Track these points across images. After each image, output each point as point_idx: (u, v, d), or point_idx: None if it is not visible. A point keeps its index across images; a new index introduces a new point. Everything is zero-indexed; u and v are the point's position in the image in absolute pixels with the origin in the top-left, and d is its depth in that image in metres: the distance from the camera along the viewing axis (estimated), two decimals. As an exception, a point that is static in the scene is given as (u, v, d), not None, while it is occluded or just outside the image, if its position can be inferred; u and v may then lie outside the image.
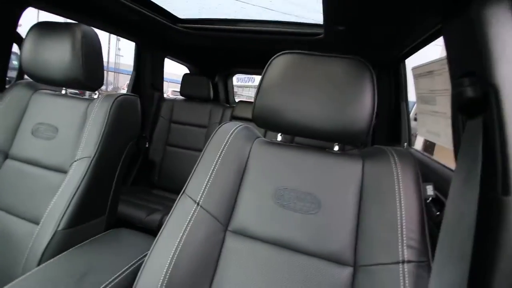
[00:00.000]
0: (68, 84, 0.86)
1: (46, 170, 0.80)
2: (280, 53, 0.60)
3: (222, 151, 0.61)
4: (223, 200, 0.58)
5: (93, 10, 1.18)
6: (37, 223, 0.72)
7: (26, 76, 0.94)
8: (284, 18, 1.25)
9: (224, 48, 1.71)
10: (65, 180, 0.74)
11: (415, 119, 1.29)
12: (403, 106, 1.29)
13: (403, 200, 0.50)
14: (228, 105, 2.03)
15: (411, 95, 1.21)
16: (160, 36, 1.58)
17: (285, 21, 1.24)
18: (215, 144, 0.62)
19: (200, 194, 0.57)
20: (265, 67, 0.61)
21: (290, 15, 1.28)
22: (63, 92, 0.92)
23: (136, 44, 1.69)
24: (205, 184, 0.58)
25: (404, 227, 0.48)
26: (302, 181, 0.58)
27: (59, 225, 0.67)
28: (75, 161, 0.75)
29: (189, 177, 0.60)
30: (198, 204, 0.56)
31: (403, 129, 1.25)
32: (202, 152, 0.63)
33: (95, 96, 0.89)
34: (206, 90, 1.81)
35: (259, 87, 0.61)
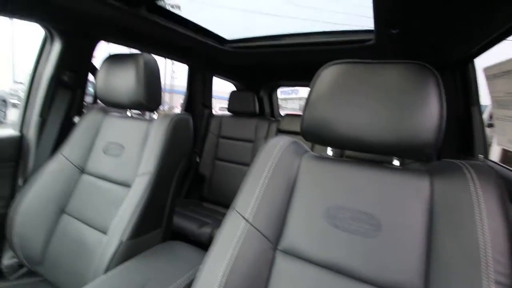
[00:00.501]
0: (132, 106, 0.97)
1: (114, 184, 0.90)
2: (329, 63, 0.58)
3: (270, 167, 0.60)
4: (272, 217, 0.57)
5: (152, 40, 1.33)
6: (105, 233, 0.80)
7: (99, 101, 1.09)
8: (330, 28, 1.22)
9: (269, 63, 1.74)
10: (129, 193, 0.82)
11: (488, 126, 1.10)
12: (475, 112, 1.11)
13: (486, 225, 0.42)
14: (273, 118, 2.05)
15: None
16: (209, 58, 1.70)
17: (331, 30, 1.21)
18: (263, 160, 0.62)
19: (249, 211, 0.57)
20: (313, 79, 0.59)
21: (337, 24, 1.25)
22: (128, 114, 1.04)
23: (188, 66, 1.84)
24: (254, 200, 0.58)
25: (489, 257, 0.40)
26: (358, 199, 0.54)
27: (123, 236, 0.73)
28: (137, 176, 0.83)
29: (238, 193, 0.61)
30: (247, 221, 0.56)
31: (477, 138, 1.08)
32: (250, 168, 0.63)
33: (155, 116, 0.98)
34: (252, 105, 1.86)
35: (308, 100, 0.59)
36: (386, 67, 0.53)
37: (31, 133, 1.06)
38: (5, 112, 4.97)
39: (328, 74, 0.58)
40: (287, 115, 1.91)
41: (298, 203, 0.58)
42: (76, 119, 1.14)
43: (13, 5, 0.87)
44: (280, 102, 2.45)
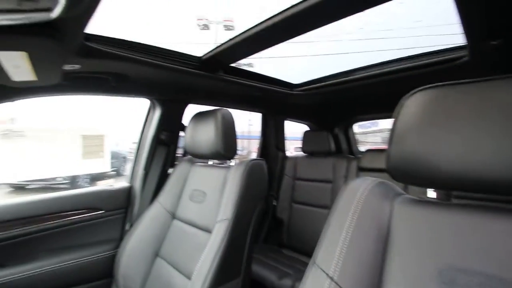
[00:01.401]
0: (212, 156, 1.05)
1: (198, 229, 0.95)
2: (415, 90, 0.50)
3: (354, 214, 0.51)
4: (363, 276, 0.46)
5: (228, 96, 1.49)
6: (189, 278, 0.83)
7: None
8: (409, 52, 1.11)
9: (342, 99, 1.69)
10: (210, 239, 0.84)
11: None
12: None
13: None
14: (352, 156, 1.89)
15: None
16: (280, 103, 1.77)
17: (410, 55, 1.10)
18: (345, 205, 0.54)
19: (333, 267, 0.48)
20: (397, 109, 0.51)
21: (415, 48, 1.13)
22: (210, 162, 1.14)
23: (261, 113, 1.96)
24: (337, 254, 0.49)
25: None
26: (486, 259, 0.39)
27: (204, 283, 0.73)
28: (217, 222, 0.86)
29: (319, 243, 0.53)
30: (331, 279, 0.47)
31: None
32: (331, 214, 0.55)
33: (232, 163, 1.04)
34: (327, 144, 1.78)
35: (393, 132, 0.51)
36: (497, 84, 0.42)
37: (137, 184, 1.28)
38: (124, 167, 6.38)
39: (415, 102, 0.49)
40: (368, 150, 1.73)
41: (396, 260, 0.46)
42: (170, 170, 1.32)
43: (129, 88, 1.14)
44: (358, 137, 2.27)
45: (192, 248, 0.92)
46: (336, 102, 1.78)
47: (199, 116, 1.11)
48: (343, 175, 1.65)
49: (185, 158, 1.23)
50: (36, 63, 0.64)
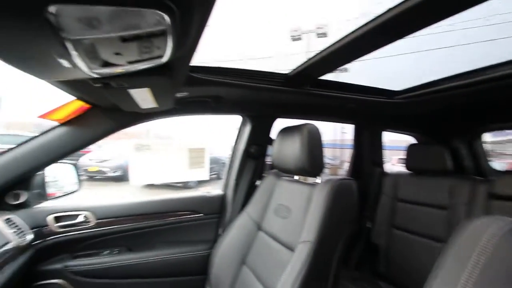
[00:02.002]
0: (297, 172, 1.04)
1: (281, 245, 0.95)
2: None
3: (476, 266, 0.38)
4: None
5: (317, 109, 1.44)
6: None
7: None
8: None
9: (462, 105, 1.35)
10: (292, 259, 0.82)
11: None
12: None
13: None
14: (481, 177, 1.46)
15: None
16: (377, 113, 1.58)
17: None
18: (464, 250, 0.41)
19: None
20: None
21: None
22: (295, 178, 1.12)
23: (354, 125, 1.80)
24: None
25: None
26: None
27: None
28: (300, 243, 0.83)
29: (427, 284, 0.42)
30: None
31: None
32: (445, 254, 0.43)
33: (318, 181, 0.99)
34: (442, 160, 1.44)
35: None
36: None
37: (229, 192, 1.40)
38: (223, 171, 7.22)
39: None
40: (509, 172, 1.29)
41: None
42: (257, 182, 1.39)
43: (225, 107, 1.28)
44: (493, 146, 1.73)
45: (275, 264, 0.92)
46: (454, 109, 1.43)
47: (285, 131, 1.12)
48: (465, 201, 1.30)
49: (272, 171, 1.26)
50: (156, 94, 0.81)
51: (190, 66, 0.78)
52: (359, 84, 1.28)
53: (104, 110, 1.05)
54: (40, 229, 1.06)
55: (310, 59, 0.95)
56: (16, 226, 0.95)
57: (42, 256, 1.05)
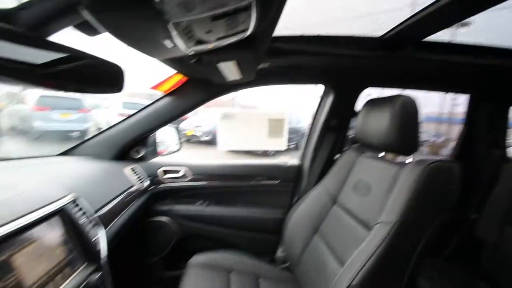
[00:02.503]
0: (384, 148, 0.94)
1: (357, 222, 0.92)
2: None
3: None
4: None
5: (417, 76, 1.22)
6: (342, 265, 0.83)
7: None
8: None
9: None
10: (367, 238, 0.79)
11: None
12: None
13: None
14: None
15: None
16: (501, 83, 1.22)
17: None
18: None
19: None
20: None
21: None
22: (381, 155, 1.03)
23: (469, 95, 1.45)
24: None
25: None
26: None
27: (353, 279, 0.71)
28: (379, 223, 0.78)
29: None
30: None
31: None
32: None
33: (408, 161, 0.88)
34: None
35: None
36: None
37: (306, 163, 1.41)
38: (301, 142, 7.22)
39: None
40: None
41: None
42: (336, 156, 1.34)
43: (306, 77, 1.24)
44: None
45: (348, 238, 0.91)
46: None
47: (373, 103, 1.01)
48: None
49: (354, 146, 1.19)
50: (241, 67, 0.86)
51: (272, 37, 0.78)
52: (481, 44, 1.00)
53: (198, 82, 1.20)
54: (153, 178, 1.35)
55: (415, 15, 0.80)
56: (138, 174, 1.25)
57: (154, 199, 1.36)
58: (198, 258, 1.13)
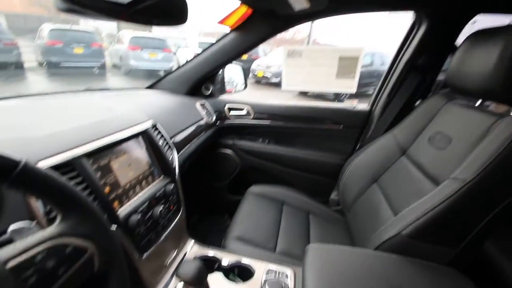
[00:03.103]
0: (481, 94, 0.75)
1: (425, 176, 0.83)
2: None
3: None
4: None
5: None
6: (395, 215, 0.80)
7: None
8: None
9: None
10: (433, 191, 0.71)
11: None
12: None
13: None
14: None
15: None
16: None
17: None
18: None
19: None
20: None
21: None
22: (477, 104, 0.83)
23: None
24: None
25: None
26: None
27: (404, 229, 0.67)
28: (450, 178, 0.68)
29: None
30: None
31: None
32: None
33: None
34: None
35: None
36: None
37: (377, 109, 1.26)
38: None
39: None
40: None
41: None
42: (417, 103, 1.14)
43: (389, 0, 1.00)
44: None
45: (410, 191, 0.84)
46: None
47: (483, 35, 0.77)
48: None
49: (441, 91, 0.98)
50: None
51: None
52: None
53: (263, 15, 1.12)
54: (220, 114, 1.46)
55: None
56: (207, 109, 1.36)
57: (220, 133, 1.48)
58: (255, 188, 1.25)
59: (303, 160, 1.41)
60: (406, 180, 0.90)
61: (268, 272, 0.75)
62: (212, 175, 1.57)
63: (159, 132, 0.86)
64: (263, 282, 0.71)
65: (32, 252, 0.29)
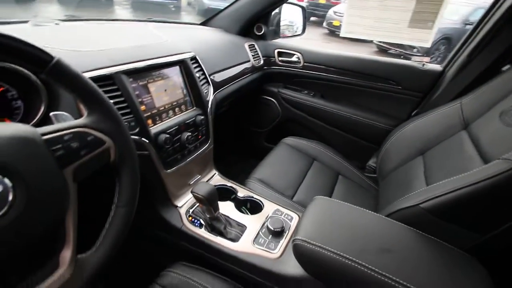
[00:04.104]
0: None
1: (477, 153, 0.70)
2: None
3: None
4: None
5: None
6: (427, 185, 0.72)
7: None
8: None
9: None
10: (474, 169, 0.60)
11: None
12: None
13: None
14: None
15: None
16: None
17: None
18: None
19: None
20: None
21: None
22: None
23: None
24: None
25: None
26: None
27: (423, 202, 0.60)
28: (500, 158, 0.56)
29: None
30: None
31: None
32: None
33: None
34: None
35: None
36: None
37: (451, 71, 1.04)
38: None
39: None
40: None
41: None
42: (505, 67, 0.90)
43: None
44: None
45: (454, 167, 0.73)
46: None
47: None
48: None
49: None
50: None
51: None
52: None
53: None
54: (268, 58, 1.41)
55: None
56: (256, 51, 1.33)
57: (266, 78, 1.45)
58: (290, 139, 1.25)
59: (348, 120, 1.31)
60: (456, 157, 0.77)
61: (275, 211, 0.80)
62: (253, 120, 1.61)
63: (199, 65, 0.89)
64: (267, 217, 0.77)
65: (62, 133, 0.38)
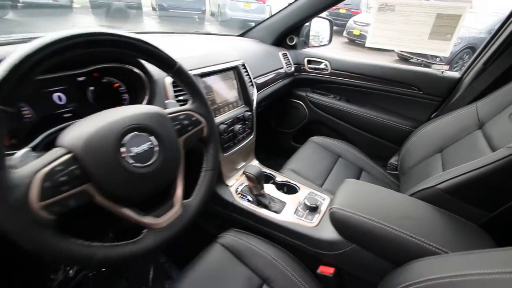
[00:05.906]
0: None
1: (490, 150, 0.81)
2: None
3: None
4: None
5: None
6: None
7: None
8: None
9: None
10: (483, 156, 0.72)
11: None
12: None
13: None
14: None
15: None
16: None
17: None
18: None
19: None
20: None
21: None
22: None
23: None
24: None
25: None
26: None
27: (440, 183, 0.72)
28: (505, 147, 0.68)
29: None
30: None
31: None
32: None
33: None
34: None
35: None
36: None
37: (468, 78, 1.15)
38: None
39: None
40: None
41: None
42: None
43: None
44: None
45: (468, 159, 0.83)
46: None
47: None
48: None
49: None
50: None
51: None
52: None
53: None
54: (299, 66, 1.58)
55: None
56: (288, 59, 1.50)
57: (296, 83, 1.62)
58: (317, 138, 1.39)
59: (371, 121, 1.44)
60: (471, 152, 0.89)
61: (310, 193, 0.95)
62: (282, 121, 1.77)
63: (246, 71, 1.07)
64: (303, 197, 0.92)
65: (178, 113, 0.56)
